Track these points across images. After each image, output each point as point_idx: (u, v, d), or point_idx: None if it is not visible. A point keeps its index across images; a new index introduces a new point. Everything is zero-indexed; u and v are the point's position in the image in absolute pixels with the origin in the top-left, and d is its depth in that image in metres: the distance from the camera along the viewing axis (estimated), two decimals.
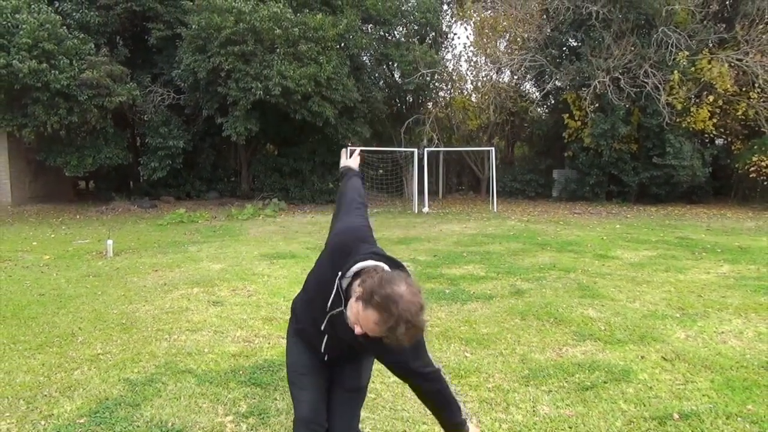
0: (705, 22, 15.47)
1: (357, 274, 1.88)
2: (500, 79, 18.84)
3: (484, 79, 18.96)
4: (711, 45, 15.59)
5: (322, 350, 2.12)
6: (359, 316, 1.76)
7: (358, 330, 1.79)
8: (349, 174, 2.48)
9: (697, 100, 15.51)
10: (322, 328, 2.06)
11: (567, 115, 17.15)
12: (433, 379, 2.02)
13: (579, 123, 16.94)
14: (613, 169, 16.85)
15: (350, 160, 2.59)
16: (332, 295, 1.96)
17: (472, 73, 19.72)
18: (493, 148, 17.37)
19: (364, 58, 19.11)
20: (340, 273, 1.92)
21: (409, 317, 1.68)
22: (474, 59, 19.35)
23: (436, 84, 19.66)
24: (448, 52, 21.26)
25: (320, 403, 2.13)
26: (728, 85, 14.81)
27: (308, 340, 2.18)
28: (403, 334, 1.68)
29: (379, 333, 1.72)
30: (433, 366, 2.02)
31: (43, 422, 3.19)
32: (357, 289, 1.80)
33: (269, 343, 4.46)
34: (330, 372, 2.20)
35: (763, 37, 14.73)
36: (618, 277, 6.69)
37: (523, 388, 3.59)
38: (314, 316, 2.09)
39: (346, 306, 1.89)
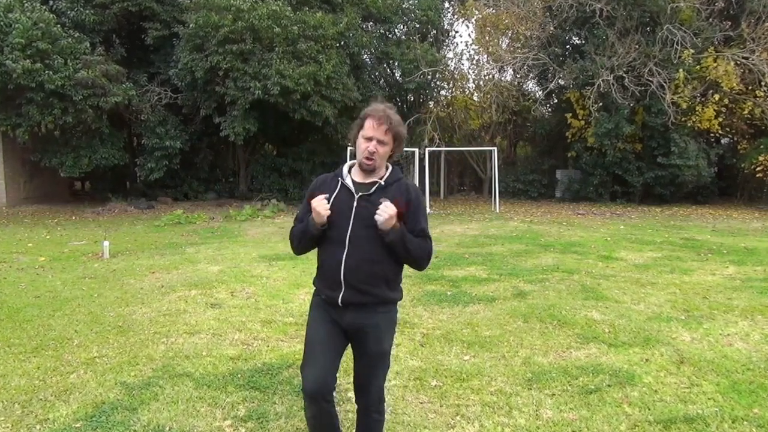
0: (710, 19, 15.38)
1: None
2: (502, 78, 18.81)
3: (486, 77, 18.92)
4: (716, 43, 15.52)
5: (341, 283, 2.35)
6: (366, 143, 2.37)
7: (371, 148, 2.35)
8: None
9: (703, 99, 15.41)
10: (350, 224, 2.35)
11: (570, 114, 17.09)
12: (425, 236, 2.45)
13: (582, 122, 16.87)
14: (617, 169, 16.79)
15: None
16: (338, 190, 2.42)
17: (473, 72, 19.73)
18: (495, 148, 17.20)
19: (365, 56, 19.03)
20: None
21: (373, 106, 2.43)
22: (476, 58, 19.38)
23: (438, 83, 19.63)
24: (450, 50, 21.13)
25: (328, 374, 2.41)
26: (734, 84, 14.71)
27: (327, 294, 2.42)
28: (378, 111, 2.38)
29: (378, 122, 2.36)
30: (428, 233, 2.46)
31: (38, 426, 3.15)
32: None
33: (268, 346, 4.41)
34: (352, 342, 2.47)
35: None
36: (622, 279, 6.63)
37: (526, 391, 3.55)
38: (333, 249, 2.39)
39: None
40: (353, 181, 2.41)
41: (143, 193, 17.50)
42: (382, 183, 2.39)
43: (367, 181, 2.40)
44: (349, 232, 2.33)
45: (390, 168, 2.47)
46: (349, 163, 2.51)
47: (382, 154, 2.38)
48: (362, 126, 2.39)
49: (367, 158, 2.37)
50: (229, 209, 15.12)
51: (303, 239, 2.46)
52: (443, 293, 5.99)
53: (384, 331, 2.46)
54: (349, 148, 14.88)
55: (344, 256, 2.33)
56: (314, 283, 2.53)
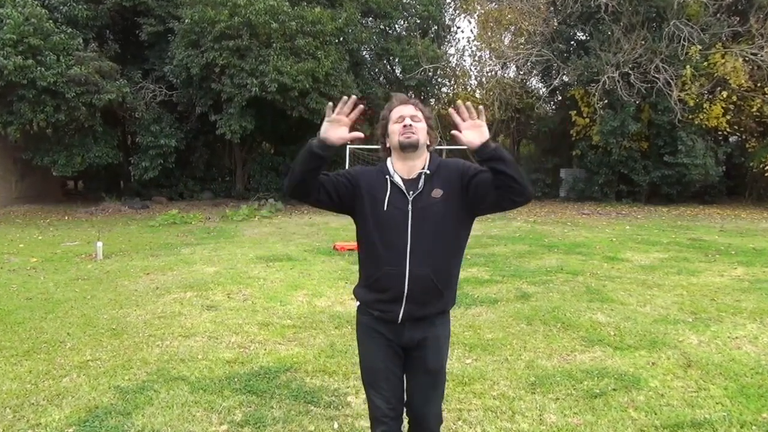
0: (718, 14, 15.20)
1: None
2: (505, 75, 18.75)
3: (489, 74, 18.85)
4: (724, 39, 15.34)
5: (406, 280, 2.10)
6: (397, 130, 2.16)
7: (407, 121, 2.13)
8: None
9: (710, 96, 15.26)
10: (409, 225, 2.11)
11: (575, 111, 16.95)
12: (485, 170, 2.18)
13: (587, 120, 16.72)
14: (622, 168, 16.64)
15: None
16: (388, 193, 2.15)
17: (475, 68, 19.73)
18: None
19: (364, 52, 18.89)
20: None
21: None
22: (478, 54, 19.39)
23: (439, 80, 19.55)
24: (451, 46, 21.12)
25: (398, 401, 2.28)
26: (742, 81, 14.55)
27: (383, 309, 2.18)
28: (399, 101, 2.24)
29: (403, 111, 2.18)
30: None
31: (30, 431, 3.14)
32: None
33: (265, 349, 4.37)
34: (408, 359, 2.26)
35: None
36: (628, 281, 6.59)
37: (529, 395, 3.52)
38: (392, 252, 2.13)
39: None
40: (402, 179, 2.17)
41: (137, 193, 17.37)
42: (428, 172, 2.16)
43: (413, 175, 2.16)
44: (409, 238, 2.10)
45: (429, 155, 2.24)
46: (388, 159, 2.25)
47: (420, 129, 2.15)
48: (388, 119, 2.22)
49: (405, 132, 2.13)
50: (225, 209, 15.00)
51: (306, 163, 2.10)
52: None
53: (443, 342, 2.29)
54: (348, 147, 14.66)
55: (407, 265, 2.10)
56: (359, 297, 2.28)
